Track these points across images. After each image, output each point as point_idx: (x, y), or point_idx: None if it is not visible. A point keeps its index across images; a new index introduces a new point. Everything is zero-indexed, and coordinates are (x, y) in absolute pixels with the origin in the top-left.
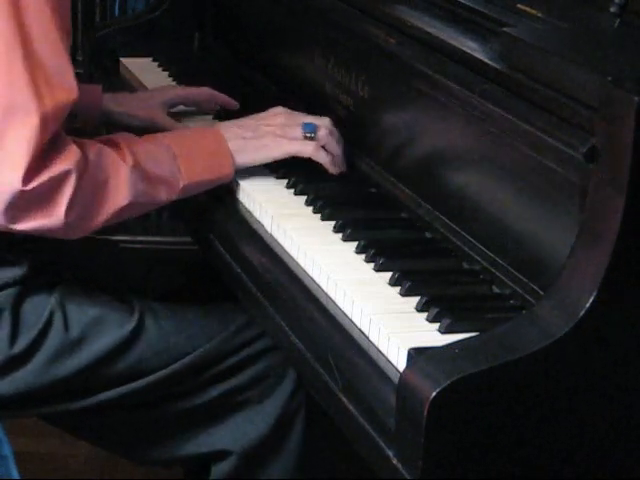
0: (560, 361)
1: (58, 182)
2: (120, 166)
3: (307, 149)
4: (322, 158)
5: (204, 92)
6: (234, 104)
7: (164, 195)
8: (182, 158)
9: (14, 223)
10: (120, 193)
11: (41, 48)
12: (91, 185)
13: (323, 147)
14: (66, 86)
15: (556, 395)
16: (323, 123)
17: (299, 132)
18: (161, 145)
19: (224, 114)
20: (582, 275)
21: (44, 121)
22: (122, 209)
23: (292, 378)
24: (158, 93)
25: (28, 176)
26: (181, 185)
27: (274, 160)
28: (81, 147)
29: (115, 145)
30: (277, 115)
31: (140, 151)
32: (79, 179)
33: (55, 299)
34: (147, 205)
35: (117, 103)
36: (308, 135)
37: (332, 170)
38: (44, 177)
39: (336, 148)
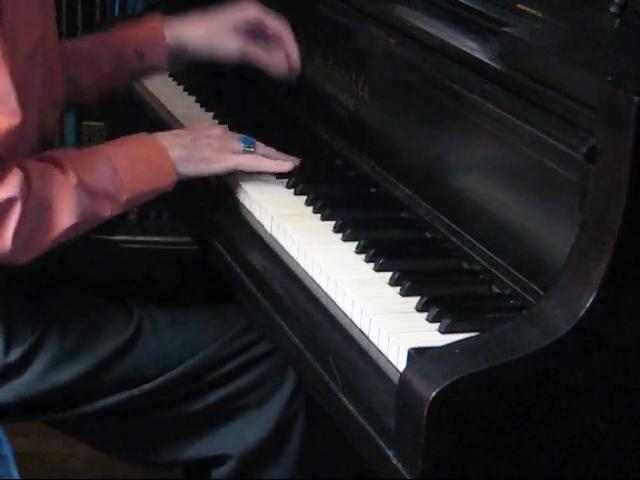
0: (560, 361)
1: (3, 209)
2: (64, 185)
3: (248, 162)
4: (266, 166)
5: (279, 28)
6: (296, 61)
7: (108, 210)
8: (124, 171)
9: None
10: (66, 213)
11: None
12: (36, 208)
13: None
14: (7, 112)
15: (556, 395)
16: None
17: (238, 145)
18: (102, 157)
19: (223, 115)
20: (582, 275)
21: None
22: (69, 229)
23: (291, 382)
24: (238, 11)
25: None
26: (125, 198)
27: (213, 174)
28: (24, 170)
29: (57, 163)
30: (214, 128)
31: (83, 167)
32: (24, 204)
33: (51, 307)
34: (92, 222)
35: (190, 31)
36: (246, 148)
37: (284, 169)
38: None
39: (275, 154)
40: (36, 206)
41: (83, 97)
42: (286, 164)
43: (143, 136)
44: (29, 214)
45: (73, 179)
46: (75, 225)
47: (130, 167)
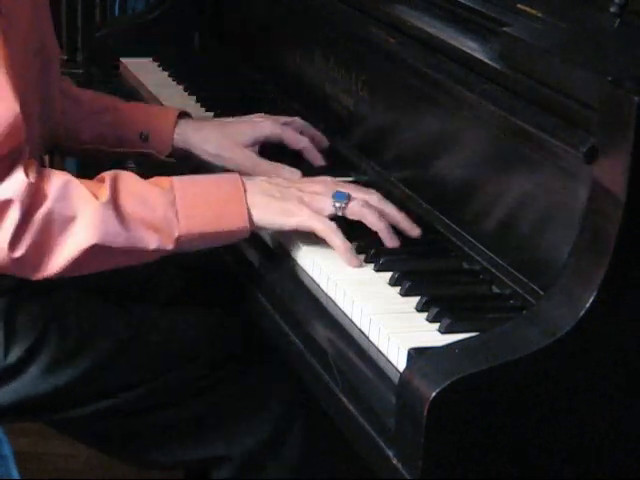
0: (560, 361)
1: None
2: (89, 202)
3: (324, 230)
4: (337, 246)
5: (298, 123)
6: (324, 141)
7: (153, 243)
8: (183, 204)
9: None
10: (85, 232)
11: None
12: (47, 220)
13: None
14: (2, 114)
15: (556, 395)
16: (361, 195)
17: (329, 203)
18: (161, 186)
19: (223, 115)
20: (582, 275)
21: None
22: (90, 250)
23: (291, 383)
24: (252, 129)
25: None
26: (176, 234)
27: (290, 229)
28: (40, 179)
29: (99, 180)
30: (316, 182)
31: (126, 190)
32: (27, 211)
33: (50, 308)
34: (131, 251)
35: (200, 137)
36: (337, 205)
37: (348, 259)
38: None
39: (377, 223)
40: (48, 217)
41: (83, 149)
42: (353, 261)
43: (227, 175)
44: (36, 224)
45: (105, 196)
46: (98, 246)
47: (191, 202)
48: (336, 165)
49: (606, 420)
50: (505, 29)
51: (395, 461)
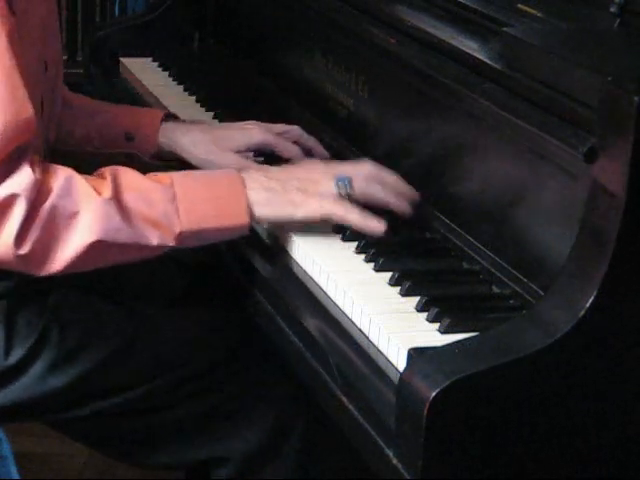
0: (560, 361)
1: (3, 205)
2: (91, 198)
3: (337, 212)
4: (355, 222)
5: (295, 132)
6: (323, 152)
7: (155, 239)
8: (184, 200)
9: None
10: (89, 228)
11: None
12: (52, 215)
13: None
14: (14, 109)
15: (556, 395)
16: (357, 171)
17: (332, 188)
18: (162, 183)
19: (223, 115)
20: (582, 275)
21: None
22: (93, 246)
23: (291, 383)
24: (242, 136)
25: None
26: (177, 231)
27: (300, 221)
28: (46, 175)
29: (100, 176)
30: (314, 170)
31: (128, 186)
32: (32, 207)
33: (50, 308)
34: (132, 248)
35: (188, 141)
36: (341, 191)
37: (371, 229)
38: None
39: (378, 193)
40: (52, 213)
41: (69, 150)
42: (374, 225)
43: (226, 171)
44: (41, 219)
45: (107, 193)
46: (100, 242)
47: (192, 199)
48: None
49: (606, 420)
50: (505, 29)
51: (395, 461)
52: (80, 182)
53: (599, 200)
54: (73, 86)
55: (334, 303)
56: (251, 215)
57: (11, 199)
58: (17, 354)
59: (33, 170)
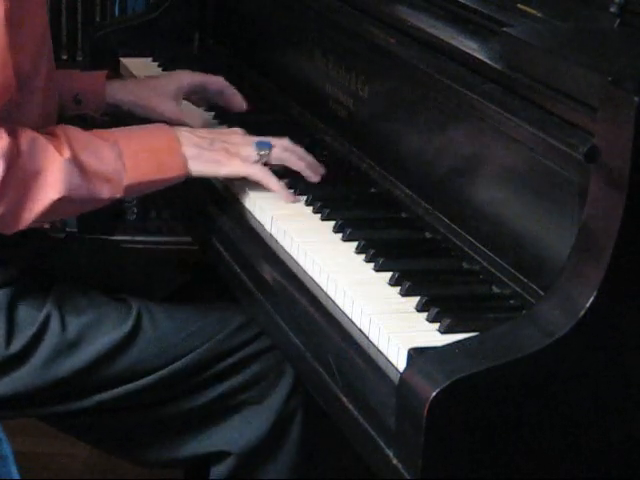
0: (560, 361)
1: None
2: (55, 158)
3: (257, 173)
4: (272, 185)
5: (219, 82)
6: (242, 105)
7: (106, 192)
8: (128, 156)
9: None
10: (53, 186)
11: None
12: (22, 176)
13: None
14: None
15: (556, 395)
16: (278, 142)
17: (253, 152)
18: (107, 140)
19: (224, 115)
20: (582, 275)
21: None
22: (56, 203)
23: (290, 378)
24: (172, 81)
25: None
26: (125, 183)
27: (222, 177)
28: (14, 136)
29: (54, 136)
30: (234, 134)
31: (80, 145)
32: (8, 168)
33: (51, 299)
34: (88, 201)
35: (128, 91)
36: (262, 153)
37: (283, 195)
38: None
39: (296, 161)
40: (22, 173)
41: None
42: (289, 195)
43: (159, 126)
44: (13, 180)
45: (66, 153)
46: (63, 199)
47: (135, 154)
48: (336, 165)
49: (606, 420)
50: (505, 29)
51: (395, 461)
52: (43, 143)
53: (599, 200)
54: None
55: (334, 303)
56: (186, 167)
57: None
58: (18, 343)
59: (8, 133)
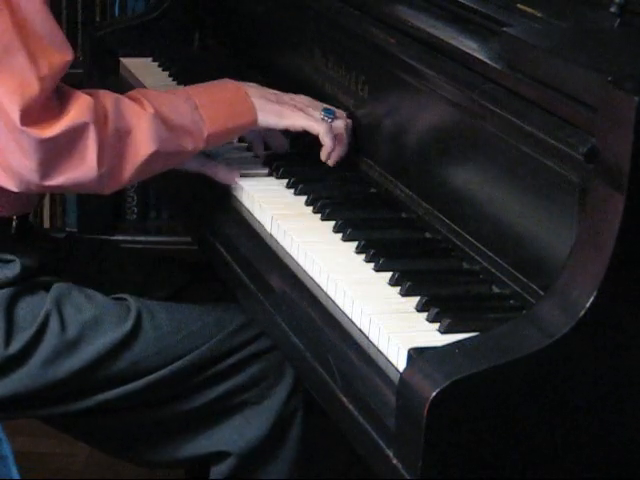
0: (560, 361)
1: (78, 132)
2: (141, 114)
3: (320, 128)
4: (328, 142)
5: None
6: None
7: (190, 144)
8: (204, 107)
9: (47, 179)
10: (145, 141)
11: (30, 16)
12: (114, 135)
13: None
14: (58, 48)
15: (556, 395)
16: (343, 116)
17: (318, 114)
18: (181, 96)
19: None
20: (582, 275)
21: (42, 82)
22: (150, 158)
23: (290, 378)
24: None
25: (43, 126)
26: (206, 134)
27: (286, 128)
28: (97, 98)
29: (133, 97)
30: (302, 97)
31: (159, 101)
32: (100, 129)
33: (51, 299)
34: (175, 155)
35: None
36: (326, 118)
37: (327, 158)
38: (61, 127)
39: (343, 142)
40: (114, 132)
41: None
42: (332, 159)
43: (226, 81)
44: (108, 140)
45: (150, 109)
46: (156, 154)
47: (210, 105)
48: (336, 164)
49: (606, 420)
50: (505, 29)
51: (395, 461)
52: (126, 102)
53: (599, 200)
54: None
55: (334, 303)
56: (256, 114)
57: (83, 127)
58: (18, 344)
59: (89, 96)
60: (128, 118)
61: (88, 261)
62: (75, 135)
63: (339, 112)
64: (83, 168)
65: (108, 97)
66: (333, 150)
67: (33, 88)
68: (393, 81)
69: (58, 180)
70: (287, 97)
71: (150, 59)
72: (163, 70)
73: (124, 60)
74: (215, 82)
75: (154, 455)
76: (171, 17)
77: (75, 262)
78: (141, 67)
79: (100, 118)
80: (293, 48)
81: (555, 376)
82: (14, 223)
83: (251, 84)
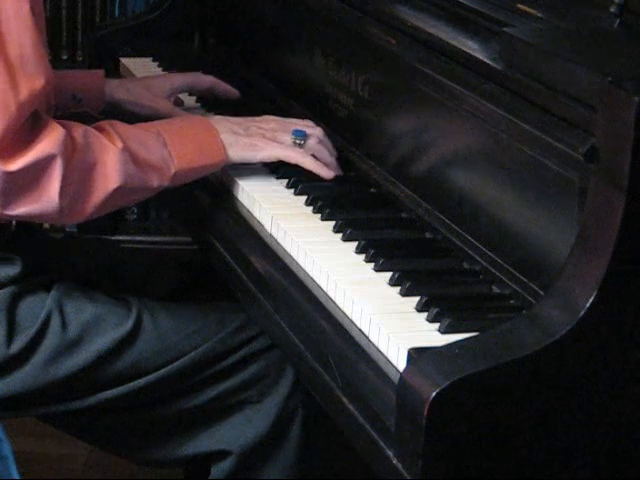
0: (560, 361)
1: (44, 164)
2: (109, 148)
3: (294, 155)
4: (308, 164)
5: (209, 80)
6: (235, 93)
7: (156, 181)
8: (173, 144)
9: (7, 209)
10: (110, 176)
11: (13, 36)
12: (80, 168)
13: (313, 155)
14: (41, 73)
15: (556, 395)
16: (314, 132)
17: (288, 138)
18: (151, 131)
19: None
20: (582, 275)
21: (20, 109)
22: (113, 193)
23: (290, 377)
24: (165, 80)
25: (10, 158)
26: (172, 171)
27: (260, 161)
28: (68, 130)
29: (102, 129)
30: (269, 120)
31: (129, 136)
32: (67, 161)
33: (52, 299)
34: (139, 191)
35: (125, 90)
36: (297, 142)
37: (323, 174)
38: (28, 159)
39: (327, 156)
40: (80, 165)
41: None
42: (328, 172)
43: (195, 117)
44: (73, 174)
45: (119, 143)
46: (120, 189)
47: (179, 143)
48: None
49: (606, 420)
50: (505, 29)
51: (395, 461)
52: (95, 135)
53: (599, 200)
54: None
55: (334, 303)
56: (225, 154)
57: (51, 158)
58: (19, 343)
59: (63, 127)
60: (96, 151)
61: (88, 261)
62: (41, 168)
63: (308, 126)
64: (44, 201)
65: (78, 129)
66: (320, 166)
67: (11, 114)
68: (393, 81)
69: (19, 211)
70: (254, 126)
71: (150, 59)
72: (163, 70)
73: (124, 60)
74: (184, 118)
75: (155, 454)
76: (171, 17)
77: (75, 262)
78: (141, 67)
79: (68, 151)
80: (293, 48)
81: (555, 376)
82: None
83: (218, 118)
